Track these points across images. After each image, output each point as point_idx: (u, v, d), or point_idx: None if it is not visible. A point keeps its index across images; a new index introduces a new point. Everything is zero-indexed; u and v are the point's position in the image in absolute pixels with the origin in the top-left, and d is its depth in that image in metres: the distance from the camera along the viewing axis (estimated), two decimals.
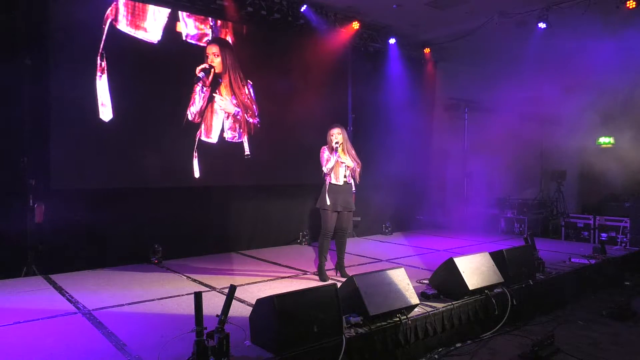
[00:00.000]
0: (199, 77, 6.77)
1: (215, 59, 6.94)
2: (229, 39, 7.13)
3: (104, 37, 5.95)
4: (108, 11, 5.98)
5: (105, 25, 5.96)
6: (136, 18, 6.21)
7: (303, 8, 7.39)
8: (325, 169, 5.21)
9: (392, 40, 9.00)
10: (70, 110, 5.72)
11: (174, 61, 6.53)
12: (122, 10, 6.09)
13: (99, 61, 5.90)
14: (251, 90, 7.36)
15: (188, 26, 6.69)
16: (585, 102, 8.00)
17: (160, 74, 6.42)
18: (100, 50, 5.91)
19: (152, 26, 6.35)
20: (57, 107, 5.64)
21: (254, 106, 7.40)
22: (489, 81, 8.83)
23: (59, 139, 5.67)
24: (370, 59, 9.04)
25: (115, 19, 6.05)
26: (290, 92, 7.68)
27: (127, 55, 6.12)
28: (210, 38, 6.91)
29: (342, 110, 8.62)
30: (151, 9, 6.34)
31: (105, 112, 6.00)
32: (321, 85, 7.86)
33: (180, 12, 6.59)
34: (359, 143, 8.54)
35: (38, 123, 5.56)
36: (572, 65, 7.83)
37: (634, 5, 6.96)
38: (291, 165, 7.66)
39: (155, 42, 6.36)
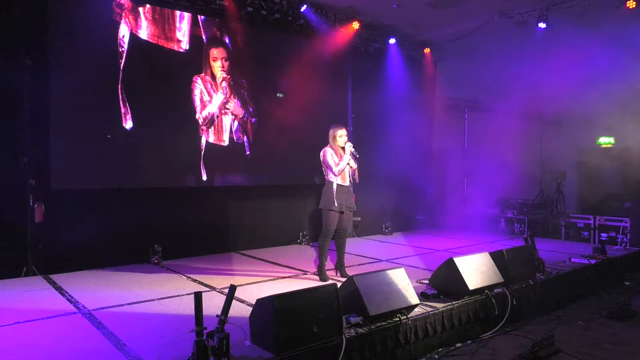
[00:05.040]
0: (225, 87, 6.87)
1: (224, 63, 7.01)
2: (227, 39, 7.12)
3: (125, 45, 6.06)
4: (124, 20, 6.06)
5: (121, 31, 6.06)
6: (156, 25, 6.35)
7: (303, 8, 7.39)
8: (336, 171, 5.22)
9: (392, 40, 9.01)
10: (71, 112, 5.74)
11: (176, 65, 6.56)
12: (143, 19, 6.23)
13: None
14: (247, 91, 7.35)
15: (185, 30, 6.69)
16: (585, 101, 7.99)
17: (164, 77, 6.46)
18: (123, 59, 6.03)
19: (178, 33, 6.55)
20: (57, 108, 5.66)
21: (250, 107, 7.38)
22: (489, 81, 8.81)
23: (59, 139, 5.68)
24: (370, 59, 9.04)
25: (137, 28, 6.18)
26: (290, 92, 7.67)
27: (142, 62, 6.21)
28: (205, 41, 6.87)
29: (342, 110, 8.62)
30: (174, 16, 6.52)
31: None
32: (321, 85, 7.86)
33: (199, 18, 6.75)
34: (359, 143, 8.56)
35: (38, 123, 5.56)
36: (572, 65, 7.81)
37: (634, 5, 6.96)
38: (291, 165, 7.65)
39: (183, 50, 6.57)
